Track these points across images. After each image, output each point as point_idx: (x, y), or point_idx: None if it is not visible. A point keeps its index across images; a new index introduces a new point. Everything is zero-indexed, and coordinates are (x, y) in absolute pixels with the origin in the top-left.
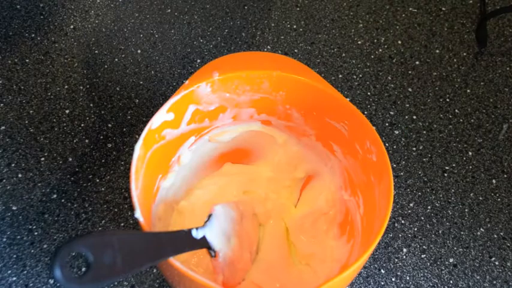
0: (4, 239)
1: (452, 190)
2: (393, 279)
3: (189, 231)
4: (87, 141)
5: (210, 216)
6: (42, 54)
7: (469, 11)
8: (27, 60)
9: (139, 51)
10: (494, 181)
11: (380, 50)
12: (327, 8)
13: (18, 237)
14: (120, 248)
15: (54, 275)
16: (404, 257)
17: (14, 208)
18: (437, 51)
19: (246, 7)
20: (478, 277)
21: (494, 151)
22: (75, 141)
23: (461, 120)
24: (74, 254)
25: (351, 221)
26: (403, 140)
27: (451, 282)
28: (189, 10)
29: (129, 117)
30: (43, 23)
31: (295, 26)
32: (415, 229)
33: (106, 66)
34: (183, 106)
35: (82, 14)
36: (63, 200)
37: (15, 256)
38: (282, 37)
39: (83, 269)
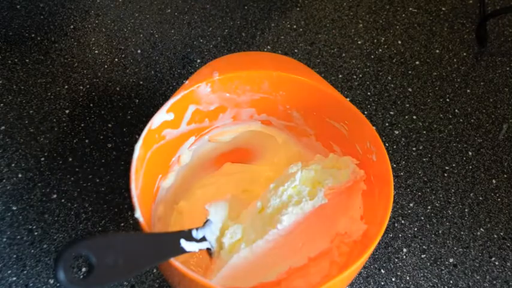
0: (4, 239)
1: (452, 190)
2: (393, 279)
3: (189, 231)
4: (87, 141)
5: (207, 219)
6: (42, 54)
7: (469, 11)
8: (27, 60)
9: (139, 51)
10: (494, 181)
11: (380, 50)
12: (327, 8)
13: (18, 237)
14: (122, 250)
15: (58, 278)
16: (404, 257)
17: (14, 208)
18: (437, 51)
19: (246, 7)
20: (478, 277)
21: (494, 151)
22: (75, 141)
23: (461, 120)
24: (74, 254)
25: None
26: (403, 140)
27: (451, 282)
28: (189, 10)
29: (129, 117)
30: (43, 23)
31: (295, 26)
32: (415, 229)
33: (106, 66)
34: (183, 106)
35: (82, 14)
36: (63, 200)
37: (15, 256)
38: (282, 37)
39: (83, 269)
